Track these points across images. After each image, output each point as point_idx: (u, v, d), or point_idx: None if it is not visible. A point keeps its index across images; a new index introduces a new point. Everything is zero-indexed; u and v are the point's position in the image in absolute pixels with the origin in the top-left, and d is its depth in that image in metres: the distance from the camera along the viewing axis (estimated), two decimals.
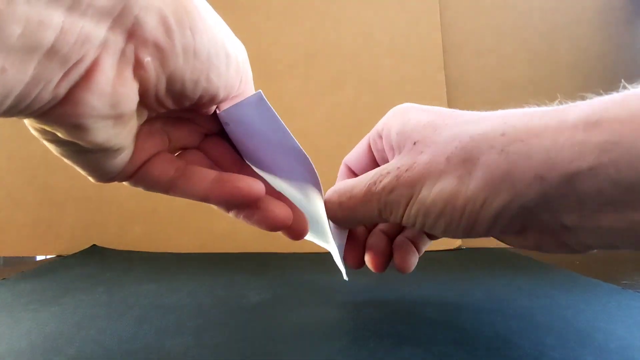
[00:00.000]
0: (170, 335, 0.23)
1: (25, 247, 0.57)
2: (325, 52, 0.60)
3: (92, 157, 0.17)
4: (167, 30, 0.15)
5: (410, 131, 0.22)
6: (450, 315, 0.26)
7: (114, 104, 0.14)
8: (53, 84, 0.13)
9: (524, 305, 0.28)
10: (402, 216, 0.22)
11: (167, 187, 0.21)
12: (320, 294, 0.33)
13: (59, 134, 0.15)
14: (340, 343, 0.22)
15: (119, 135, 0.17)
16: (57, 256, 0.54)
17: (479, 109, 0.22)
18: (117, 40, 0.14)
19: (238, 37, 0.20)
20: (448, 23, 0.61)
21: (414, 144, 0.22)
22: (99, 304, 0.30)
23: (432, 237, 0.30)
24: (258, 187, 0.21)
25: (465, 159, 0.19)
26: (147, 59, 0.15)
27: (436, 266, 0.42)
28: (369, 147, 0.28)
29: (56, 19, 0.12)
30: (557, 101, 0.19)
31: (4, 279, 0.39)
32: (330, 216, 0.25)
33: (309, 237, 0.29)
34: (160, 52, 0.15)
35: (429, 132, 0.22)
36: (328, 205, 0.25)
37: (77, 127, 0.14)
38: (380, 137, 0.25)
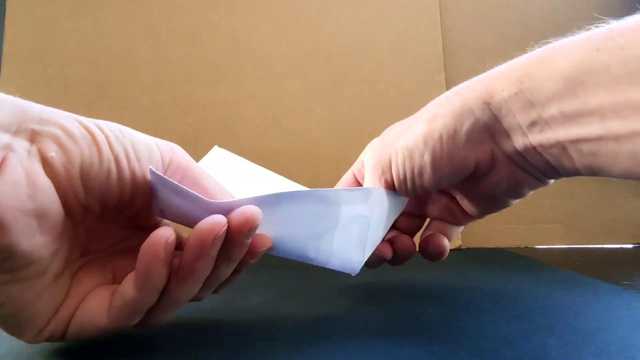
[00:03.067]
0: (171, 334, 0.23)
1: None
2: (325, 52, 0.60)
3: (19, 291, 0.17)
4: (67, 132, 0.17)
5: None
6: (450, 315, 0.26)
7: (30, 194, 0.15)
8: None
9: (524, 305, 0.28)
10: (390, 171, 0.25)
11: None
12: (321, 293, 0.33)
13: None
14: (340, 343, 0.22)
15: (46, 247, 0.17)
16: None
17: None
18: (21, 143, 0.16)
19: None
20: (448, 23, 0.61)
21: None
22: None
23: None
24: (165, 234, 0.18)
25: (427, 115, 0.24)
26: (52, 154, 0.16)
27: (436, 266, 0.42)
28: (354, 176, 0.31)
29: None
30: None
31: None
32: None
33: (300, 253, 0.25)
34: (63, 148, 0.17)
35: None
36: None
37: None
38: (362, 164, 0.29)
